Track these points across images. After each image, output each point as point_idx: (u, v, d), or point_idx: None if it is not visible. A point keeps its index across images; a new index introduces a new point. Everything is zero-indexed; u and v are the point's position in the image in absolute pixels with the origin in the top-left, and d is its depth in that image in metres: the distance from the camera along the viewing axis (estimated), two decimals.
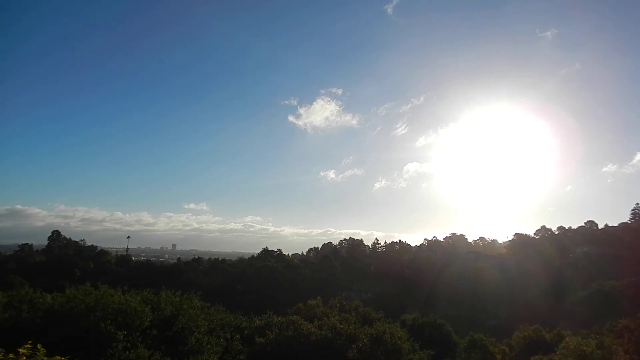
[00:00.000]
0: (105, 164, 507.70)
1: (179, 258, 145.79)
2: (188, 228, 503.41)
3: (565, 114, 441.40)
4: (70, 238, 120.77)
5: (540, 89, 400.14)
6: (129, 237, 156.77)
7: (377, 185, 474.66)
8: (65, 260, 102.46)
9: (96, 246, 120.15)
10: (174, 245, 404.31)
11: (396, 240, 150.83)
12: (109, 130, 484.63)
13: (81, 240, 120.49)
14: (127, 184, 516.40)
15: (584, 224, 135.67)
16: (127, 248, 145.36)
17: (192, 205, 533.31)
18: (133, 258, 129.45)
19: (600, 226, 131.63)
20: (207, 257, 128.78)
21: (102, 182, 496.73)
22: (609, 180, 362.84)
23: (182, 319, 18.64)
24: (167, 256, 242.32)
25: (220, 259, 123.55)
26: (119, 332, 15.60)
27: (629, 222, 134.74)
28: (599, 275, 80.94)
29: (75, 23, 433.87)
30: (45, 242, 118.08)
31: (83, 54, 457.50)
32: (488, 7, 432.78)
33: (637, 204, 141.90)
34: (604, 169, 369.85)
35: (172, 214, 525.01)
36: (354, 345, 21.05)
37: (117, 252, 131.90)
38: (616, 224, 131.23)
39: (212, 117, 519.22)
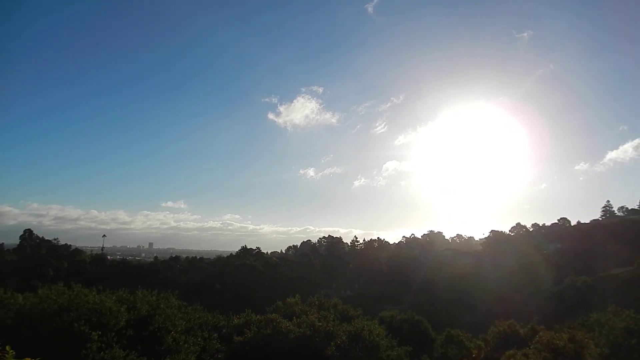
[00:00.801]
0: (81, 161, 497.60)
1: (156, 257, 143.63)
2: (165, 226, 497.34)
3: (539, 113, 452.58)
4: (43, 237, 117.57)
5: (517, 89, 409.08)
6: (104, 235, 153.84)
7: (356, 183, 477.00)
8: (38, 260, 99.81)
9: (70, 245, 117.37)
10: (150, 244, 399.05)
11: (375, 237, 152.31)
12: (84, 127, 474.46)
13: (54, 239, 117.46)
14: (103, 181, 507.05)
15: (557, 221, 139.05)
16: (103, 247, 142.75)
17: (169, 204, 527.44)
18: (108, 257, 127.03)
19: (573, 223, 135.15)
20: (184, 256, 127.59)
21: (77, 180, 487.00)
22: (581, 178, 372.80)
23: (158, 318, 18.35)
24: (143, 255, 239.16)
25: (198, 257, 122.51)
26: (93, 333, 15.26)
27: (600, 218, 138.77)
28: (571, 270, 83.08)
29: (49, 20, 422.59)
30: (17, 241, 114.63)
31: (58, 50, 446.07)
32: (467, 7, 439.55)
33: (608, 201, 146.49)
34: (577, 167, 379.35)
35: (149, 212, 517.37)
36: (332, 343, 21.12)
37: (92, 251, 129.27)
38: (588, 221, 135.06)
39: (191, 114, 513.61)
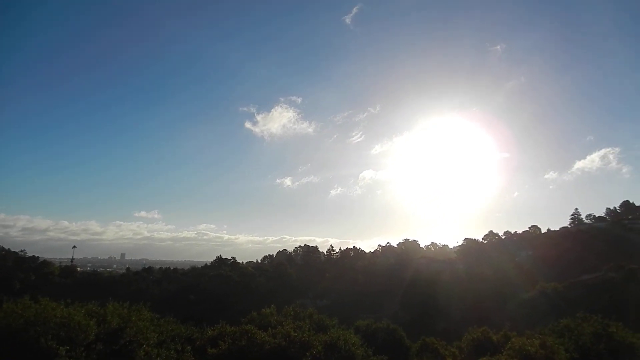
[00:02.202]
0: (51, 170, 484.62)
1: (128, 268, 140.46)
2: (139, 237, 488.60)
3: (511, 124, 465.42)
4: (9, 249, 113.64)
5: (489, 100, 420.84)
6: (74, 246, 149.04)
7: (333, 192, 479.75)
8: (3, 272, 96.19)
9: (38, 257, 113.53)
10: (122, 255, 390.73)
11: (351, 246, 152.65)
12: (54, 135, 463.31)
13: (21, 251, 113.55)
14: (74, 191, 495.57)
15: (528, 229, 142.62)
16: (72, 258, 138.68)
17: (143, 213, 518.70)
18: (78, 269, 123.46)
19: (543, 230, 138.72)
20: (158, 267, 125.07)
21: (47, 190, 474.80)
22: (551, 187, 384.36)
23: (130, 331, 17.94)
24: (115, 266, 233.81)
25: (172, 268, 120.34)
26: (60, 348, 14.79)
27: (569, 226, 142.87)
28: (541, 277, 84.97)
29: (22, 26, 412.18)
30: None
31: (30, 58, 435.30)
32: (442, 20, 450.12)
33: (576, 209, 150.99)
34: (546, 176, 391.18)
35: (122, 223, 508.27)
36: (307, 353, 21.00)
37: (61, 262, 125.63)
38: (557, 229, 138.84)
39: (166, 122, 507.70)
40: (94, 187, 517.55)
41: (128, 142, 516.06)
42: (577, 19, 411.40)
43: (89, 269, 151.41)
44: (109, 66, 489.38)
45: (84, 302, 19.58)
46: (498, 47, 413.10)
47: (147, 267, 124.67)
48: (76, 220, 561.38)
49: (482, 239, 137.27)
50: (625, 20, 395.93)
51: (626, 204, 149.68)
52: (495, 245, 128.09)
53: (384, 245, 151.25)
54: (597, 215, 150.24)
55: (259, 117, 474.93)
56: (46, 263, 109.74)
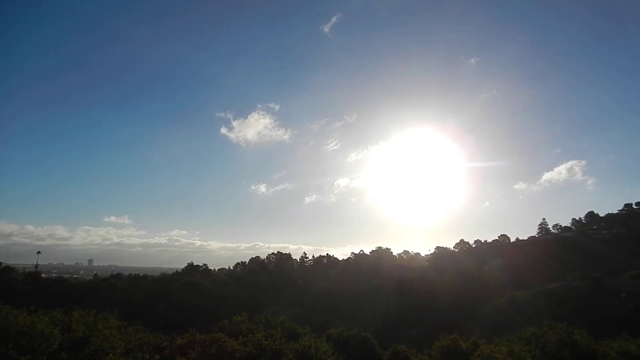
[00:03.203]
0: (16, 172, 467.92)
1: (95, 274, 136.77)
2: (108, 242, 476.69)
3: (484, 135, 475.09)
4: None
5: (463, 112, 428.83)
6: (39, 252, 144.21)
7: (307, 199, 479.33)
8: None
9: (0, 262, 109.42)
10: (90, 261, 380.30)
11: (324, 254, 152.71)
12: (20, 137, 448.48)
13: None
14: (41, 195, 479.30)
15: (498, 238, 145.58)
16: (37, 264, 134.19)
17: (112, 218, 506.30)
18: (43, 275, 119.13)
19: (512, 239, 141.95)
20: (127, 273, 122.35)
21: (11, 193, 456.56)
22: (520, 197, 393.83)
23: (95, 340, 17.46)
24: (82, 272, 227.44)
25: (141, 274, 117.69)
26: (22, 357, 14.32)
27: (537, 235, 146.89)
28: (510, 285, 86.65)
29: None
30: None
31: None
32: (420, 33, 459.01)
33: (544, 219, 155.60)
34: (516, 187, 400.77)
35: (90, 228, 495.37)
36: None
37: (25, 269, 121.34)
38: (526, 238, 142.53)
39: (139, 126, 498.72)
40: (62, 191, 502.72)
41: (99, 145, 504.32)
42: (546, 38, 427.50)
43: (54, 275, 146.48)
44: (81, 71, 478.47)
45: (48, 310, 19.02)
46: (472, 60, 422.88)
47: (115, 273, 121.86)
48: (42, 224, 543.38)
49: (454, 247, 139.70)
50: (590, 40, 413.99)
51: (591, 215, 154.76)
52: (466, 254, 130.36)
53: (357, 252, 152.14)
54: (563, 225, 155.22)
55: (235, 123, 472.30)
56: (8, 269, 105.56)
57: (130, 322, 23.76)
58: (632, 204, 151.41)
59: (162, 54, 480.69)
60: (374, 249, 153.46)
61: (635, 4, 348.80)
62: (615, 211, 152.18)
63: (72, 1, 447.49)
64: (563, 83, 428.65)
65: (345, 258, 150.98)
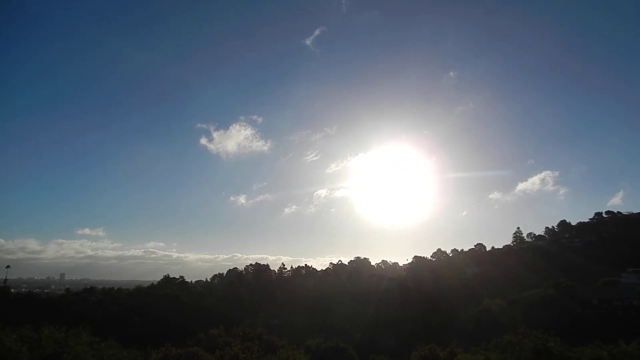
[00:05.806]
0: None
1: (67, 288, 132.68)
2: (81, 255, 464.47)
3: (460, 146, 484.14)
4: None
5: (440, 124, 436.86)
6: (8, 266, 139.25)
7: (287, 210, 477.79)
8: None
9: None
10: (62, 275, 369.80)
11: (303, 264, 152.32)
12: None
13: None
14: (11, 206, 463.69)
15: (474, 247, 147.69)
16: (6, 279, 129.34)
17: (86, 231, 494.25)
18: (12, 290, 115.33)
19: (488, 248, 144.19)
20: (101, 287, 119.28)
21: None
22: (495, 207, 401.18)
23: (66, 357, 17.00)
24: (53, 287, 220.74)
25: (116, 288, 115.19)
26: None
27: (512, 244, 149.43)
28: (486, 293, 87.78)
29: None
30: None
31: None
32: (400, 47, 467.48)
33: (518, 228, 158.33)
34: (491, 196, 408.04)
35: (64, 241, 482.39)
36: None
37: None
38: (501, 246, 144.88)
39: (115, 135, 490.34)
40: (35, 203, 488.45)
41: (74, 156, 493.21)
42: (521, 53, 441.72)
43: (24, 290, 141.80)
44: (57, 81, 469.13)
45: (16, 327, 18.40)
46: (451, 73, 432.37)
47: (88, 287, 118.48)
48: (13, 237, 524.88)
49: (431, 256, 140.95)
50: (562, 55, 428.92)
51: (563, 223, 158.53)
52: (443, 263, 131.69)
53: (335, 263, 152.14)
54: (537, 234, 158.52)
55: (215, 134, 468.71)
56: None
57: (104, 337, 23.19)
58: (602, 212, 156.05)
59: (142, 64, 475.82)
60: (353, 259, 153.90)
61: (600, 21, 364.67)
62: (586, 220, 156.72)
63: (52, 11, 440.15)
64: (536, 97, 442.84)
65: (324, 269, 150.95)
